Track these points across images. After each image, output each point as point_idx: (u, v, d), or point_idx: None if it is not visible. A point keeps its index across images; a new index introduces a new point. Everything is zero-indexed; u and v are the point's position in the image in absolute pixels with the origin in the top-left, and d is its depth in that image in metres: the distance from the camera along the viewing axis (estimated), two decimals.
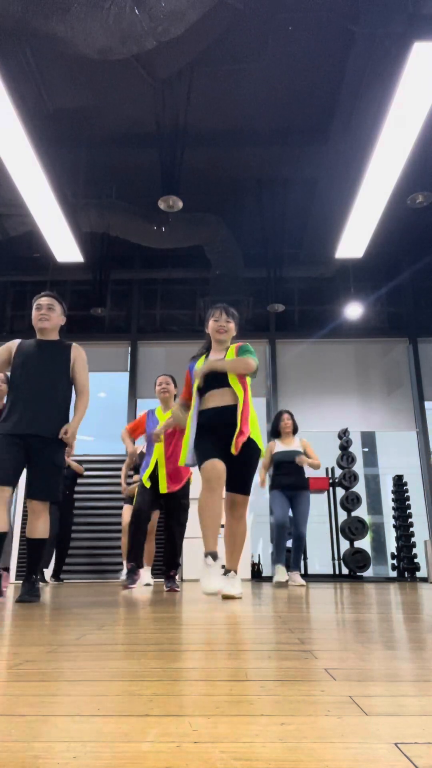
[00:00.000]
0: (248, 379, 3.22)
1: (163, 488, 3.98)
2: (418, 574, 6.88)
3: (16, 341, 3.22)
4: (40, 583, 5.28)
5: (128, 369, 8.52)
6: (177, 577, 4.11)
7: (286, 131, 6.19)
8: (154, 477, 4.05)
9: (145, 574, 4.99)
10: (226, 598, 2.88)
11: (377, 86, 5.11)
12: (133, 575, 3.87)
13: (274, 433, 5.27)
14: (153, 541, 5.34)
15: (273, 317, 8.60)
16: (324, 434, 7.75)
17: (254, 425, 3.13)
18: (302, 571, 5.15)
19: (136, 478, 5.24)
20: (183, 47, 4.92)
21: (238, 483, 3.10)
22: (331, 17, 4.82)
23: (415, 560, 6.78)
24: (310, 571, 6.85)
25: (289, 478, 4.96)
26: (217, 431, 3.08)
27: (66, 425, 3.02)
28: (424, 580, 6.82)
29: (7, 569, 4.07)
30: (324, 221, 7.25)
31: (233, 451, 2.98)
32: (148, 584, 4.83)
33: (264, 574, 6.98)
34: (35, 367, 3.08)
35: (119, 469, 6.98)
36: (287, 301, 8.27)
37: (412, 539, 6.87)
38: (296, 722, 0.66)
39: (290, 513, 5.05)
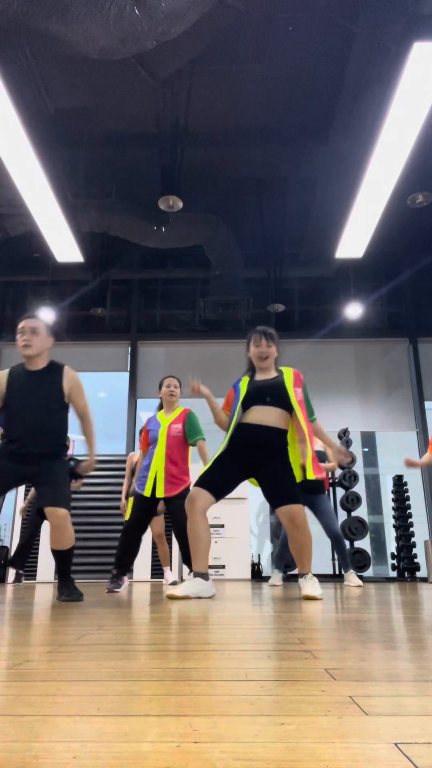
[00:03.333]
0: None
1: (160, 492, 3.88)
2: (418, 574, 6.88)
3: (6, 371, 3.17)
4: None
5: (128, 369, 8.52)
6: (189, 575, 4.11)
7: (286, 131, 6.19)
8: (154, 482, 3.95)
9: (168, 574, 5.22)
10: (309, 599, 2.89)
11: (377, 86, 5.11)
12: (119, 581, 3.88)
13: None
14: (165, 543, 5.38)
15: (273, 317, 8.60)
16: None
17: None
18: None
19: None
20: (183, 47, 4.92)
21: (286, 494, 3.03)
22: (331, 17, 4.82)
23: (415, 560, 6.77)
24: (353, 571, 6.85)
25: (307, 482, 4.90)
26: (248, 450, 3.08)
27: (86, 462, 3.13)
28: (424, 580, 6.82)
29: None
30: (324, 221, 7.25)
31: (309, 476, 3.10)
32: (174, 582, 4.92)
33: (264, 574, 6.98)
34: (27, 401, 3.06)
35: (120, 470, 6.98)
36: (287, 301, 8.27)
37: (412, 539, 6.87)
38: (296, 722, 0.66)
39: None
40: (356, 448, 7.85)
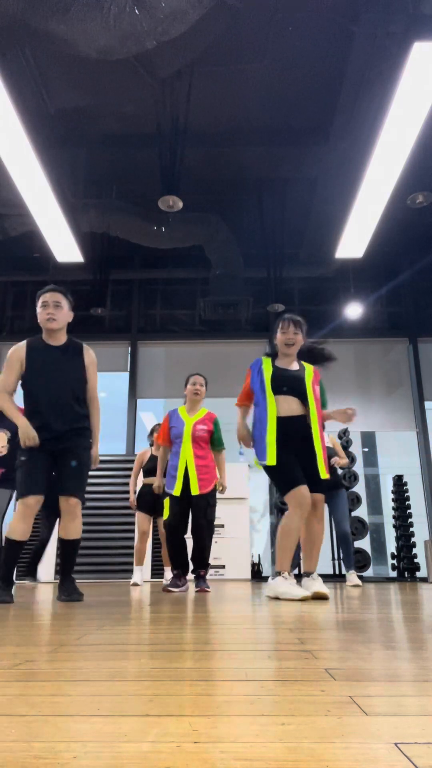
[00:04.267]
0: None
1: (195, 490, 3.88)
2: (418, 574, 6.88)
3: (23, 345, 3.05)
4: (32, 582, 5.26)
5: (128, 369, 8.52)
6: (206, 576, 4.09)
7: (286, 131, 6.19)
8: (184, 480, 3.94)
9: (137, 574, 4.99)
10: (318, 597, 2.91)
11: (377, 86, 5.11)
12: (177, 581, 3.91)
13: None
14: (147, 542, 5.32)
15: (273, 317, 8.60)
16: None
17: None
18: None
19: (147, 480, 5.15)
20: (183, 47, 4.92)
21: (314, 482, 3.09)
22: (331, 17, 4.82)
23: (415, 560, 6.77)
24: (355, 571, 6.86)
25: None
26: (293, 442, 3.11)
27: (92, 453, 3.09)
28: (424, 580, 6.82)
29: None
30: (324, 221, 7.25)
31: (323, 475, 3.12)
32: (135, 584, 4.83)
33: (264, 574, 6.98)
34: (52, 376, 2.99)
35: (120, 469, 6.99)
36: (287, 301, 8.27)
37: (412, 539, 6.87)
38: (296, 722, 0.66)
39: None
40: (356, 448, 7.84)
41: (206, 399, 4.38)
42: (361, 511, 7.01)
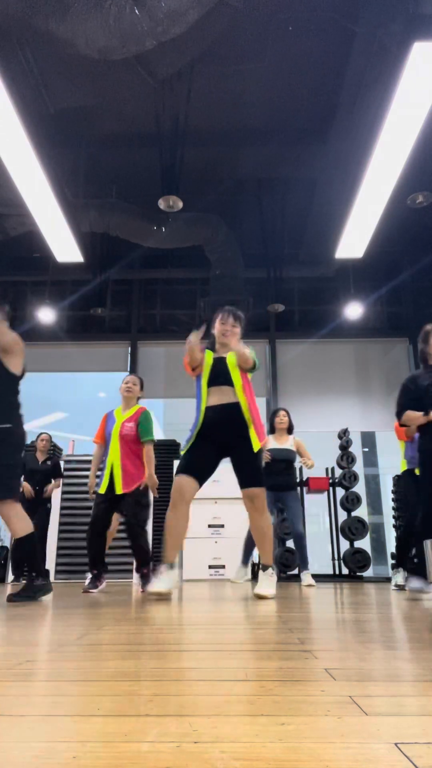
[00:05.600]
0: (249, 375, 3.25)
1: (119, 489, 3.93)
2: None
3: None
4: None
5: (128, 369, 8.52)
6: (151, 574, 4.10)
7: (286, 131, 6.20)
8: (110, 479, 4.01)
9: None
10: (260, 598, 2.90)
11: (377, 86, 5.11)
12: (96, 581, 3.90)
13: (269, 429, 5.25)
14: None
15: (273, 317, 8.60)
16: (324, 434, 7.74)
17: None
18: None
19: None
20: (183, 47, 4.92)
21: (250, 476, 3.07)
22: (331, 17, 4.82)
23: (415, 560, 6.77)
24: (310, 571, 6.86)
25: (278, 478, 4.93)
26: (218, 430, 3.08)
27: None
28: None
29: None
30: (324, 221, 7.25)
31: (255, 446, 3.05)
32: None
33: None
34: None
35: None
36: (287, 301, 8.27)
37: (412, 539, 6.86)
38: (296, 722, 0.66)
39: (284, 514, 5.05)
40: (356, 448, 7.85)
41: None
42: (361, 511, 7.01)
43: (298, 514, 4.96)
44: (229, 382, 3.15)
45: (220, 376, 3.17)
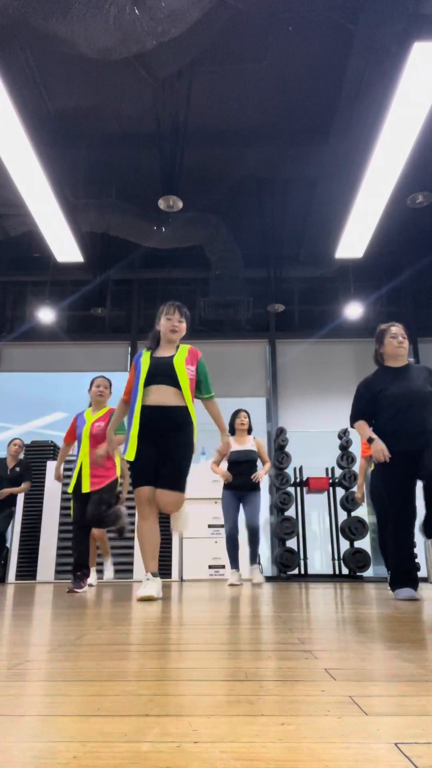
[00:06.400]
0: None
1: (86, 487, 3.99)
2: (418, 575, 6.88)
3: None
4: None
5: (128, 369, 8.52)
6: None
7: (286, 131, 6.20)
8: (78, 477, 4.08)
9: (93, 575, 5.04)
10: (144, 599, 2.87)
11: (377, 86, 5.11)
12: (80, 581, 3.92)
13: (230, 430, 5.24)
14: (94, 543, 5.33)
15: (273, 317, 8.60)
16: (324, 434, 7.74)
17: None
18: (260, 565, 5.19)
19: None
20: (183, 47, 4.92)
21: (168, 478, 3.02)
22: (331, 17, 4.82)
23: (415, 560, 6.77)
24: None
25: (240, 479, 4.98)
26: (156, 432, 3.05)
27: None
28: (424, 580, 6.82)
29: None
30: (324, 221, 7.25)
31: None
32: (91, 585, 4.84)
33: (263, 574, 6.97)
34: None
35: None
36: (287, 301, 8.27)
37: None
38: (296, 722, 0.66)
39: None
40: (356, 448, 7.84)
41: None
42: (362, 511, 7.01)
43: (257, 511, 5.06)
44: (174, 383, 3.08)
45: (159, 375, 3.09)
